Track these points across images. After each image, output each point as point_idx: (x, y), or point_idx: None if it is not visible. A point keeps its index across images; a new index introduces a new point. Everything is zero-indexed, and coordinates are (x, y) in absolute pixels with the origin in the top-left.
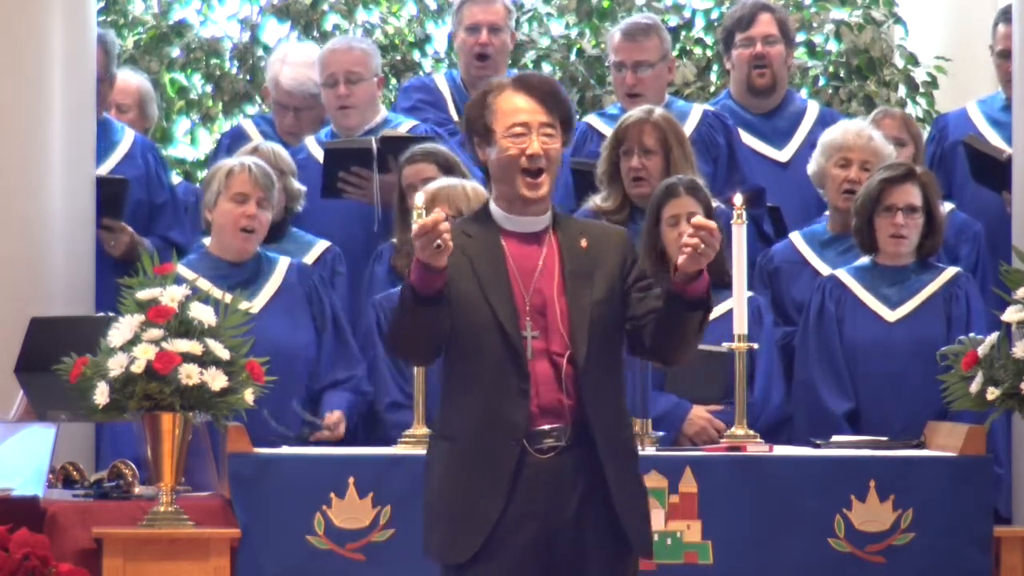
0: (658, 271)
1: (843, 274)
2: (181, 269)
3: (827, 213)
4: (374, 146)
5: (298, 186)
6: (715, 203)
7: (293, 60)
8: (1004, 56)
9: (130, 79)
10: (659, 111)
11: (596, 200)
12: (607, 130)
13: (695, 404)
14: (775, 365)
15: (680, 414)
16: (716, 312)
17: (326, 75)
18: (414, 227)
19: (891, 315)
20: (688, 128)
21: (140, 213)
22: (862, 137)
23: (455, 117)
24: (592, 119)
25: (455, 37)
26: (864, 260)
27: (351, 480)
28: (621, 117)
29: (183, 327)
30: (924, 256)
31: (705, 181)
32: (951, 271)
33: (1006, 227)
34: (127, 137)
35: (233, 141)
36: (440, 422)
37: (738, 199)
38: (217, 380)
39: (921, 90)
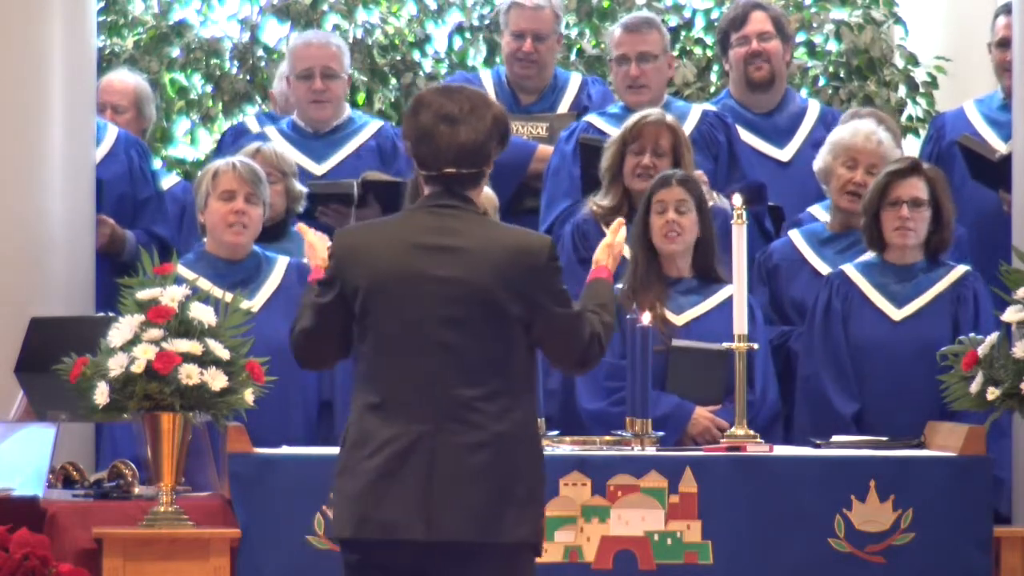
0: (648, 260)
1: (851, 270)
2: (180, 269)
3: (820, 206)
4: (355, 191)
5: (299, 187)
6: (712, 200)
7: None
8: (1002, 45)
9: (127, 79)
10: (671, 116)
11: (595, 200)
12: (608, 128)
13: (697, 405)
14: (769, 364)
15: (684, 415)
16: (707, 306)
17: (301, 68)
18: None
19: (897, 314)
20: (688, 127)
21: (124, 208)
22: (871, 141)
23: None
24: (593, 118)
25: (501, 35)
26: (872, 256)
27: None
28: (633, 116)
29: (183, 327)
30: (933, 253)
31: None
32: (960, 270)
33: (1003, 227)
34: (110, 134)
35: (236, 138)
36: (534, 412)
37: (737, 199)
38: (217, 380)
39: (921, 90)
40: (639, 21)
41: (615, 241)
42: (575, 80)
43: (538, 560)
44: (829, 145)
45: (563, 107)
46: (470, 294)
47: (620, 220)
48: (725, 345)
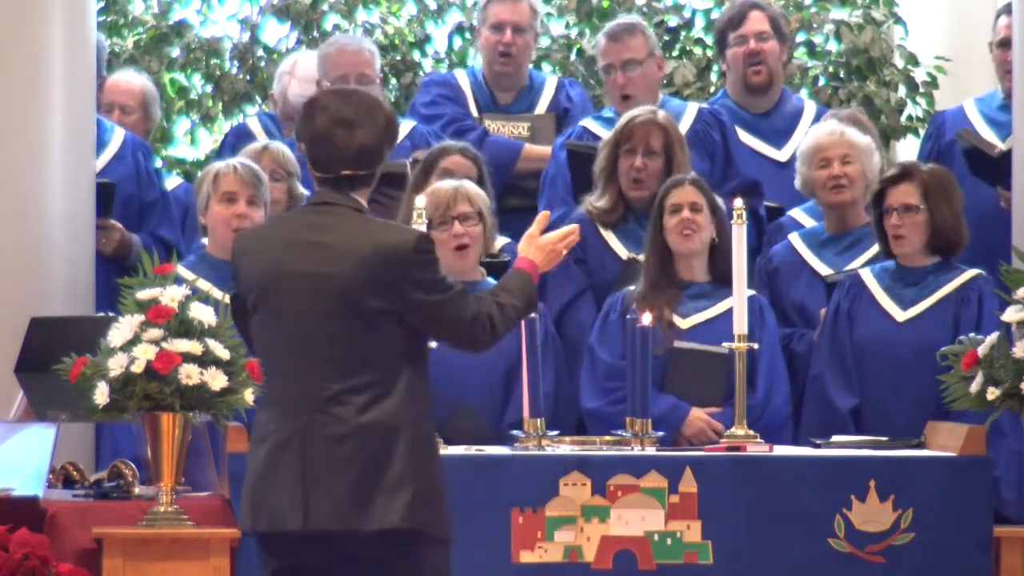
0: (662, 264)
1: (865, 272)
2: (181, 270)
3: (801, 209)
4: (408, 171)
5: (302, 190)
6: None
7: (302, 75)
8: (1003, 46)
9: (133, 80)
10: (663, 113)
11: (591, 201)
12: (603, 133)
13: (694, 406)
14: (778, 366)
15: (679, 416)
16: (716, 311)
17: (336, 75)
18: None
19: (901, 315)
20: (684, 125)
21: (130, 210)
22: (834, 134)
23: (475, 113)
24: (588, 122)
25: (479, 33)
26: (890, 260)
27: None
28: (624, 116)
29: (183, 327)
30: (943, 254)
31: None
32: (970, 273)
33: (1003, 224)
34: (117, 136)
35: (237, 139)
36: (416, 401)
37: (738, 201)
38: (217, 380)
39: (921, 90)
40: (620, 29)
41: (536, 232)
42: (551, 82)
43: (539, 560)
44: (800, 158)
45: (540, 108)
46: (332, 289)
47: (545, 213)
48: (726, 345)
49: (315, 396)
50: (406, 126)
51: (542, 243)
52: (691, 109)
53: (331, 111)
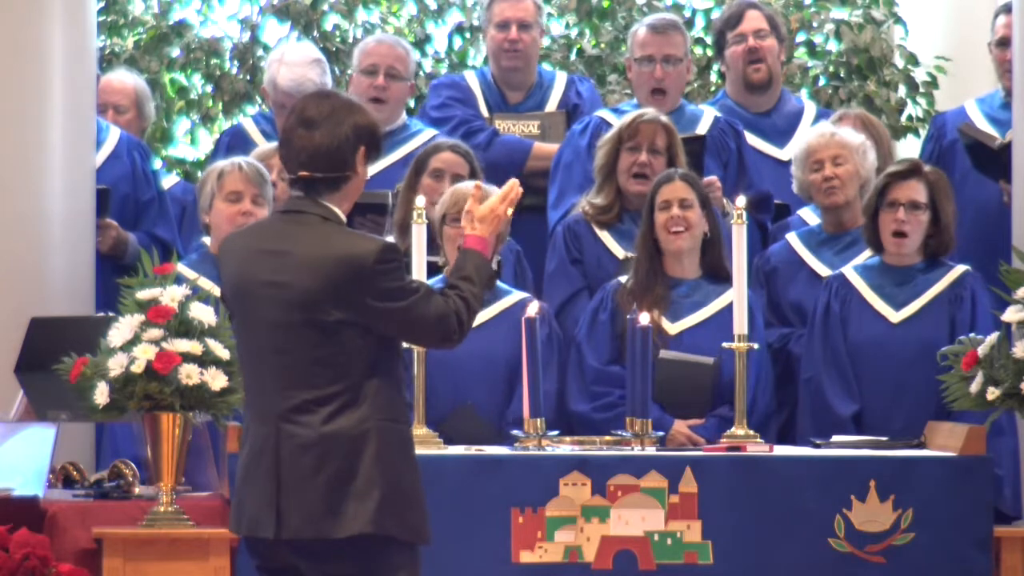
0: (651, 261)
1: (850, 272)
2: (181, 269)
3: (809, 208)
4: (390, 200)
5: None
6: (724, 207)
7: (290, 60)
8: (1002, 45)
9: (126, 79)
10: (664, 116)
11: (587, 199)
12: None
13: (677, 418)
14: (764, 369)
15: (662, 428)
16: (706, 313)
17: (366, 63)
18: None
19: (895, 316)
20: (700, 130)
21: (127, 209)
22: (824, 136)
23: (485, 114)
24: (605, 114)
25: (485, 34)
26: (873, 258)
27: None
28: (627, 115)
29: (183, 327)
30: (933, 255)
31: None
32: (958, 270)
33: (1004, 225)
34: (112, 136)
35: (233, 140)
36: (385, 407)
37: (740, 201)
38: (217, 380)
39: (921, 90)
40: (665, 23)
41: (472, 208)
42: (561, 78)
43: (539, 560)
44: (794, 162)
45: (551, 105)
46: (293, 299)
47: (477, 183)
48: (726, 345)
49: (282, 405)
50: (427, 134)
51: (481, 214)
52: (708, 115)
53: (299, 110)
